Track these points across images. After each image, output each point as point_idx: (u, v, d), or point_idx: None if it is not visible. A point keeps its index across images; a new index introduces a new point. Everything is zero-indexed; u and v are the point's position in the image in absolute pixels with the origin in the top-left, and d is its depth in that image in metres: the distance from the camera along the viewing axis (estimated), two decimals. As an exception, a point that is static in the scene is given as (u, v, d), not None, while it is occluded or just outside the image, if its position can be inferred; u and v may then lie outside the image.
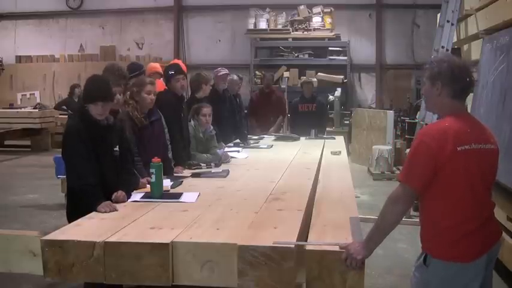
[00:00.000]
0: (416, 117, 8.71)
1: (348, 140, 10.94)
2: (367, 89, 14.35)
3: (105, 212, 3.04)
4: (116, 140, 3.44)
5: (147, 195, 3.47)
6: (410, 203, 2.33)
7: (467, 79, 2.39)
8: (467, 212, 2.28)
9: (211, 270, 2.43)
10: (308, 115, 8.33)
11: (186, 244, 2.48)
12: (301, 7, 13.42)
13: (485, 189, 2.39)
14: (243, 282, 2.38)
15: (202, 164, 4.77)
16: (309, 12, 13.43)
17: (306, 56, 13.54)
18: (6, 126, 12.49)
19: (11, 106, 14.03)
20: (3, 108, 13.73)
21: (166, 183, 3.75)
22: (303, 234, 2.75)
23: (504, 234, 4.27)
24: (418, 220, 2.46)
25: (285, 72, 13.31)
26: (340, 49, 13.45)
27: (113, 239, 2.53)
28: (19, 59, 15.16)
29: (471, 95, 5.90)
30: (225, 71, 7.00)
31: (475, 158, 2.29)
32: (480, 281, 2.33)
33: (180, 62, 6.94)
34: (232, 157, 5.30)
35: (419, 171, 2.27)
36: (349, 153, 8.70)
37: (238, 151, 5.93)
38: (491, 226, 2.42)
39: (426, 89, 2.46)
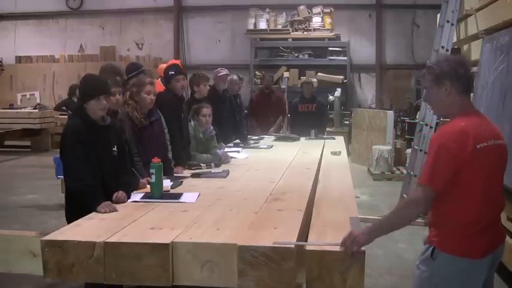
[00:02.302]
0: (416, 117, 8.71)
1: (348, 140, 10.94)
2: (367, 89, 14.35)
3: (105, 212, 3.04)
4: (114, 140, 3.44)
5: (147, 196, 3.47)
6: (430, 205, 2.33)
7: (471, 71, 2.41)
8: (483, 208, 2.29)
9: (211, 271, 2.43)
10: (308, 115, 8.33)
11: (186, 244, 2.48)
12: (301, 7, 13.42)
13: (499, 185, 2.41)
14: (243, 282, 2.37)
15: (202, 164, 4.77)
16: (309, 13, 13.42)
17: (306, 56, 13.54)
18: (6, 126, 12.50)
19: (11, 106, 14.03)
20: (3, 108, 13.74)
21: (166, 183, 3.75)
22: (303, 234, 2.75)
23: (504, 234, 4.27)
24: (418, 221, 2.45)
25: (285, 73, 13.31)
26: (340, 49, 13.44)
27: (113, 239, 2.53)
28: (19, 59, 15.16)
29: (471, 94, 5.90)
30: (225, 72, 7.01)
31: (492, 154, 2.31)
32: (483, 280, 2.34)
33: (177, 62, 6.95)
34: (232, 157, 5.30)
35: (442, 174, 2.27)
36: (349, 154, 8.70)
37: (238, 151, 5.93)
38: (499, 226, 2.44)
39: (433, 93, 2.44)
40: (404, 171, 7.77)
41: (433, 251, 2.33)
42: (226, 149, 5.72)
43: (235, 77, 7.64)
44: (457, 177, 2.26)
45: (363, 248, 2.37)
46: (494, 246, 2.37)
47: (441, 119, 7.13)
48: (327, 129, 9.52)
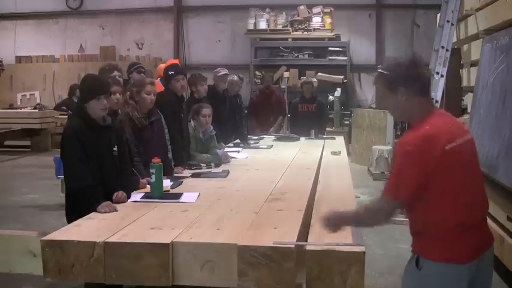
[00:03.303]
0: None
1: (348, 140, 10.93)
2: (367, 89, 14.32)
3: (105, 212, 3.05)
4: (114, 140, 3.45)
5: (147, 196, 3.48)
6: (394, 215, 2.25)
7: (425, 71, 2.32)
8: (463, 211, 2.21)
9: (211, 271, 2.43)
10: (308, 115, 8.34)
11: (186, 244, 2.48)
12: (301, 7, 13.41)
13: (478, 184, 2.33)
14: (243, 282, 2.38)
15: (202, 164, 4.78)
16: (309, 13, 13.41)
17: (306, 56, 13.52)
18: (6, 126, 12.48)
19: (11, 106, 14.02)
20: (3, 108, 13.73)
21: (166, 183, 3.75)
22: (303, 234, 2.75)
23: (504, 234, 4.27)
24: None
25: (285, 73, 13.31)
26: (340, 49, 13.43)
27: (113, 239, 2.53)
28: (19, 59, 15.15)
29: (471, 95, 5.90)
30: (224, 71, 7.02)
31: (463, 152, 2.23)
32: (467, 283, 2.25)
33: (176, 61, 6.96)
34: (232, 157, 5.31)
35: (409, 183, 2.18)
36: (349, 153, 8.69)
37: (238, 151, 5.94)
38: (485, 228, 2.36)
39: (389, 100, 2.34)
40: (404, 171, 7.76)
41: (417, 260, 2.25)
42: (226, 149, 5.72)
43: (235, 77, 7.65)
44: (428, 183, 2.17)
45: (362, 249, 2.38)
46: (481, 249, 2.27)
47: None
48: (327, 129, 9.52)
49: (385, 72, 2.33)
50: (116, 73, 4.65)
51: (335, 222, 2.42)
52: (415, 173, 2.17)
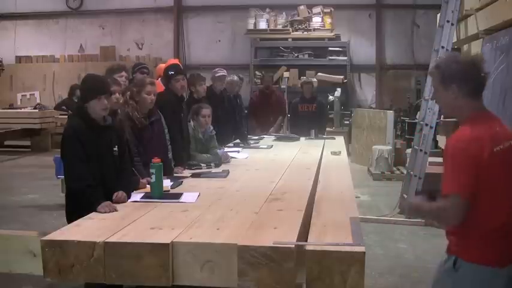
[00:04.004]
0: (416, 117, 8.71)
1: (348, 140, 10.93)
2: (367, 89, 14.34)
3: (105, 212, 3.05)
4: (115, 140, 3.45)
5: (147, 196, 3.48)
6: (462, 213, 2.17)
7: (482, 74, 2.29)
8: (503, 213, 2.20)
9: (211, 271, 2.43)
10: (308, 115, 8.35)
11: (186, 244, 2.48)
12: (301, 7, 13.42)
13: None
14: (243, 282, 2.37)
15: (202, 164, 4.78)
16: (309, 13, 13.43)
17: (306, 56, 13.54)
18: (6, 126, 12.49)
19: (11, 106, 14.03)
20: (3, 108, 13.73)
21: (167, 183, 3.75)
22: (303, 234, 2.75)
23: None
24: (418, 220, 2.42)
25: (285, 73, 13.32)
26: (340, 49, 13.44)
27: (113, 239, 2.53)
28: (19, 59, 15.15)
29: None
30: (222, 72, 7.00)
31: (508, 156, 2.22)
32: None
33: (175, 61, 6.96)
34: (232, 157, 5.31)
35: (465, 178, 2.15)
36: (349, 154, 8.70)
37: (238, 151, 5.94)
38: None
39: (440, 94, 2.33)
40: (404, 171, 7.77)
41: (455, 261, 2.23)
42: (226, 149, 5.72)
43: (235, 77, 7.65)
44: (476, 182, 2.16)
45: (362, 249, 2.39)
46: None
47: (441, 119, 7.14)
48: (327, 129, 9.53)
49: (443, 66, 2.32)
50: (123, 73, 4.65)
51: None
52: (470, 169, 2.15)
